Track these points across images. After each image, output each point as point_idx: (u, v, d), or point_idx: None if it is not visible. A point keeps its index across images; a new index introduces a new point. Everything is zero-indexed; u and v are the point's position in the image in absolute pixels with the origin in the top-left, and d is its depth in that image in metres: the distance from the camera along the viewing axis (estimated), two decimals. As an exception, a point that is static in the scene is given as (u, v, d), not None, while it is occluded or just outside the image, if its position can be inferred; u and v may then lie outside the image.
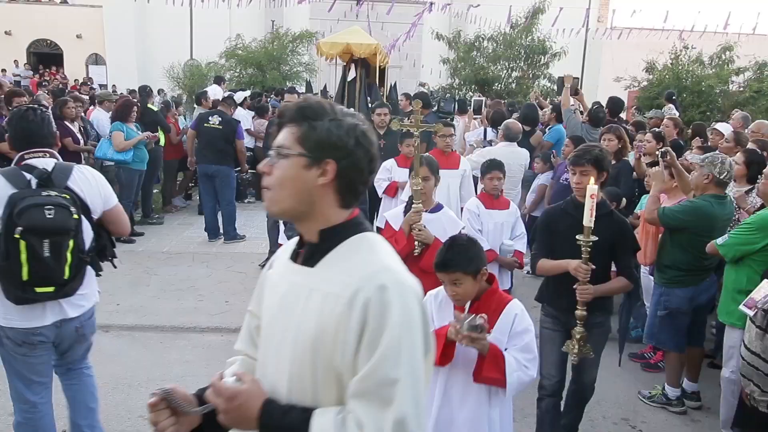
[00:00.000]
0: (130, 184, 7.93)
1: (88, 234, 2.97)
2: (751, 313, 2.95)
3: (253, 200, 10.41)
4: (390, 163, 5.98)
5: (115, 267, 3.28)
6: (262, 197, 7.84)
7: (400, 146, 6.01)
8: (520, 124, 6.96)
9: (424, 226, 3.68)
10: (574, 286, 3.19)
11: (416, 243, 3.70)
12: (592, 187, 2.97)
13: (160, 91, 18.22)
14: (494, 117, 8.27)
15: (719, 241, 3.82)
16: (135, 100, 9.34)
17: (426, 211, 3.76)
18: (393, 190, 5.93)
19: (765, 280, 3.07)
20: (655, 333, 4.38)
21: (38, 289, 2.79)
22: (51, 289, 2.83)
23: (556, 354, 3.50)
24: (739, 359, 3.64)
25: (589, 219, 2.97)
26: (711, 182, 4.07)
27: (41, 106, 3.24)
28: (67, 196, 2.83)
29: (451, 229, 3.68)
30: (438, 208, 3.93)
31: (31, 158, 2.94)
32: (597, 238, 3.04)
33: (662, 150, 4.57)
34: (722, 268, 4.32)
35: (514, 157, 6.35)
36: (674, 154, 4.58)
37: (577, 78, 7.97)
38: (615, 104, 8.41)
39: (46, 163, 2.93)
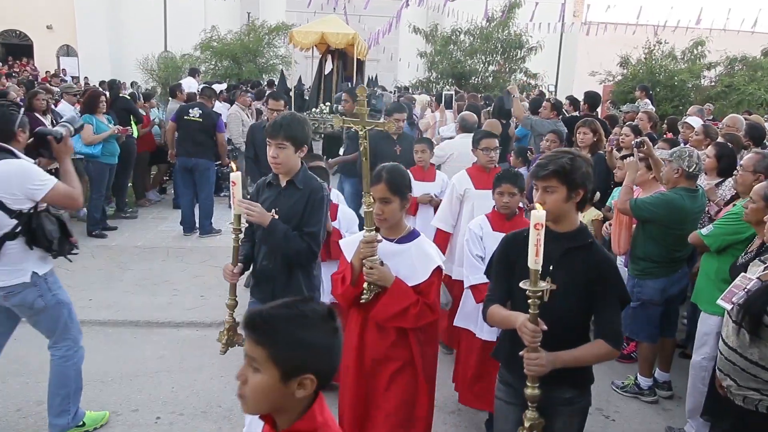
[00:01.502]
0: (100, 178, 7.76)
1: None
2: (728, 307, 2.97)
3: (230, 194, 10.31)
4: None
5: (62, 257, 3.52)
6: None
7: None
8: (475, 116, 7.02)
9: (381, 262, 2.73)
10: (520, 354, 2.33)
11: (366, 285, 2.74)
12: (538, 213, 2.12)
13: (133, 84, 17.95)
14: (468, 110, 8.30)
15: (704, 231, 3.85)
16: (102, 91, 9.19)
17: (392, 241, 2.83)
18: (413, 207, 5.14)
19: (742, 274, 3.09)
20: (628, 324, 4.43)
21: None
22: None
23: None
24: (712, 347, 3.71)
25: (534, 260, 2.15)
26: (681, 176, 4.13)
27: (6, 104, 3.45)
28: None
29: (422, 267, 2.77)
30: (410, 237, 2.87)
31: None
32: (552, 286, 2.23)
33: (638, 140, 4.62)
34: (693, 260, 4.39)
35: (469, 147, 6.40)
36: (651, 144, 4.63)
37: (517, 86, 8.06)
38: (593, 98, 8.49)
39: None
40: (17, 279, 3.34)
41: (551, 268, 2.38)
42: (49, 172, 3.49)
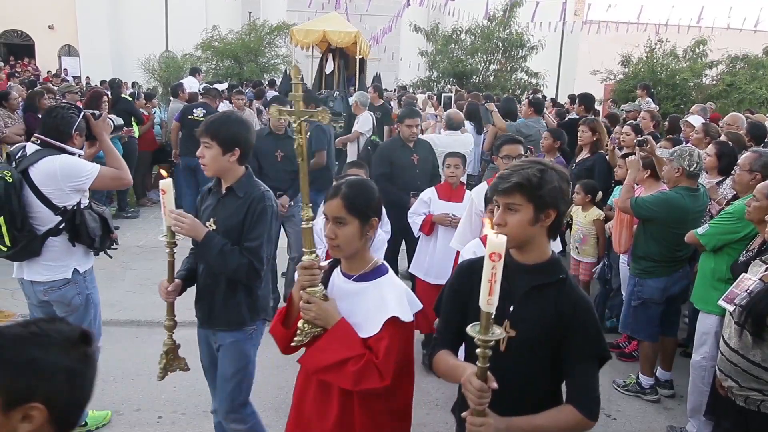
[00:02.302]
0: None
1: (40, 217, 3.29)
2: (730, 308, 2.95)
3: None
4: (429, 194, 4.79)
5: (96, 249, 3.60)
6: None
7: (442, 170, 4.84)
8: (461, 114, 7.07)
9: (325, 295, 2.16)
10: (462, 415, 1.85)
11: (300, 325, 2.17)
12: (496, 240, 1.62)
13: (134, 84, 17.96)
14: (470, 109, 8.30)
15: (699, 231, 3.85)
16: (104, 90, 9.20)
17: (351, 278, 2.20)
18: (428, 225, 4.73)
19: (743, 274, 3.07)
20: (629, 323, 4.45)
21: (0, 246, 3.27)
22: (4, 248, 3.26)
23: None
24: (711, 346, 3.71)
25: (487, 300, 1.65)
26: (682, 175, 4.13)
27: (67, 107, 3.57)
28: (9, 177, 3.17)
29: (376, 315, 2.10)
30: (374, 274, 2.20)
31: (32, 141, 3.40)
32: (509, 333, 1.86)
33: (641, 139, 4.61)
34: (696, 259, 4.39)
35: (458, 144, 6.42)
36: (654, 143, 4.63)
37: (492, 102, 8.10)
38: (588, 99, 8.48)
39: (31, 147, 3.34)
40: (59, 275, 3.41)
41: (512, 309, 1.95)
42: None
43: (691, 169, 4.10)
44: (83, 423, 3.66)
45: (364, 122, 8.34)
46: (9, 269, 3.55)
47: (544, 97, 11.76)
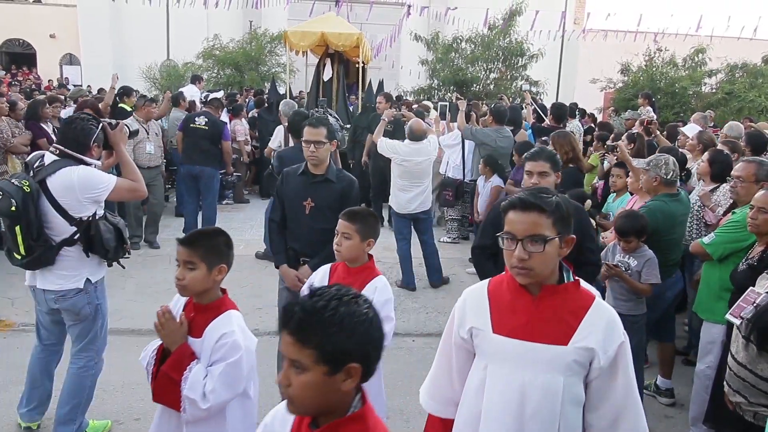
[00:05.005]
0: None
1: (56, 227, 3.30)
2: (737, 321, 2.92)
3: (231, 202, 10.34)
4: (320, 275, 3.33)
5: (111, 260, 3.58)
6: (240, 199, 7.55)
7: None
8: (423, 124, 6.86)
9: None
10: None
11: None
12: None
13: (135, 92, 18.04)
14: (513, 115, 8.24)
15: (705, 240, 3.83)
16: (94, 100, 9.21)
17: None
18: None
19: (750, 288, 2.99)
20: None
21: (15, 254, 3.30)
22: (18, 257, 3.30)
23: None
24: (716, 355, 3.70)
25: None
26: (660, 184, 4.19)
27: (87, 118, 3.54)
28: (27, 187, 3.17)
29: None
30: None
31: (51, 151, 3.43)
32: None
33: (610, 144, 4.65)
34: (692, 265, 4.41)
35: (416, 153, 6.36)
36: (624, 148, 4.67)
37: (463, 100, 8.02)
38: (558, 109, 8.41)
39: (50, 157, 3.36)
40: (72, 284, 3.42)
41: None
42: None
43: (668, 177, 4.16)
44: (83, 432, 3.66)
45: (275, 136, 7.94)
46: (9, 279, 3.57)
47: (544, 105, 11.77)
